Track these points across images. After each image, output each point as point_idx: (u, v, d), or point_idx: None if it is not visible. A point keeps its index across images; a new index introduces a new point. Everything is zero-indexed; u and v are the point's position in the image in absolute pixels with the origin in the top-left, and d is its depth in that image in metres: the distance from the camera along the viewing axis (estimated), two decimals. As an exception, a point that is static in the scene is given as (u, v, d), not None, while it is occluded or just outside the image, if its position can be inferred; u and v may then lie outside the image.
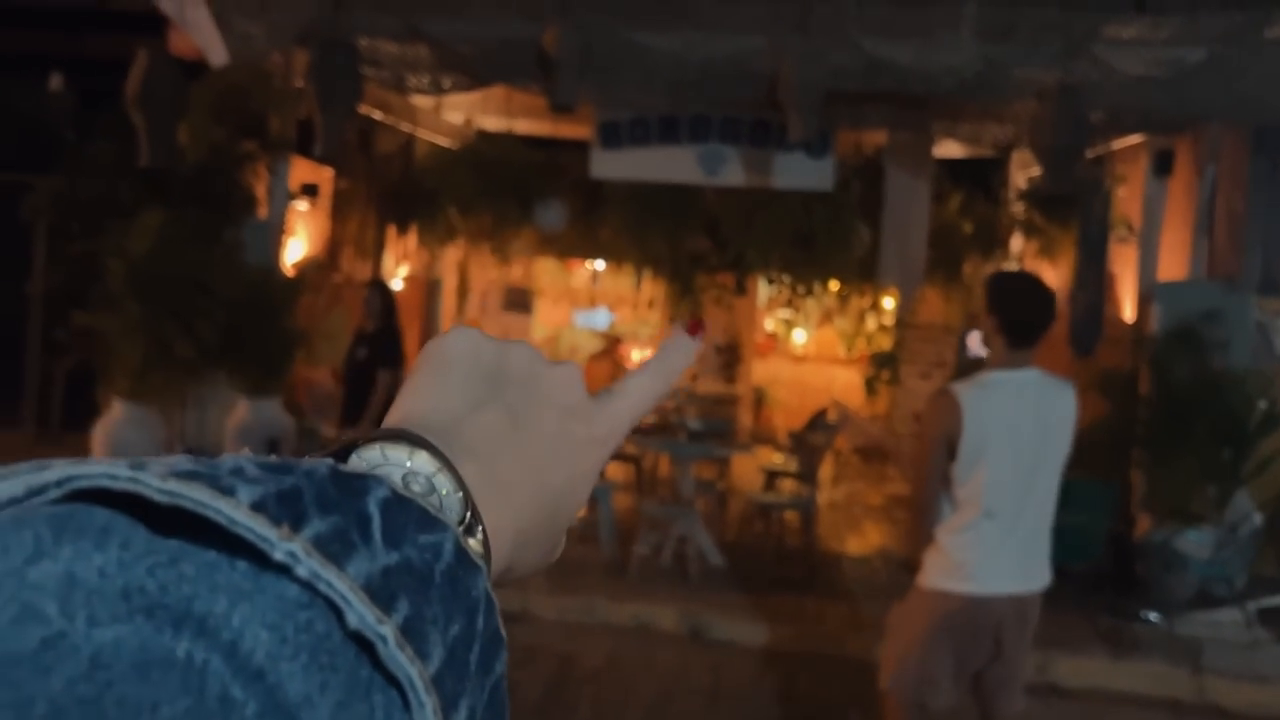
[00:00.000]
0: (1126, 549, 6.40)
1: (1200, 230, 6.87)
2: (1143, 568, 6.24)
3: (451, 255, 11.03)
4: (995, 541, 2.96)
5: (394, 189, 9.08)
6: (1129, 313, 7.49)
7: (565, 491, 0.44)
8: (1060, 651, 5.28)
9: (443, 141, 9.43)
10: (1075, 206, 7.13)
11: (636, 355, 14.43)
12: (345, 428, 6.49)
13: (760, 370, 12.91)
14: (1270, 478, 6.40)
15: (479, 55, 6.25)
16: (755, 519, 7.68)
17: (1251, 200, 6.30)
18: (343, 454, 0.38)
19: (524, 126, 9.06)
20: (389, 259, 9.70)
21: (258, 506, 0.27)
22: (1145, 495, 6.42)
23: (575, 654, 5.17)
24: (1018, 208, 8.94)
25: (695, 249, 9.04)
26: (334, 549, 0.28)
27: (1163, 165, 7.02)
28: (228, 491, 0.27)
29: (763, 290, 12.16)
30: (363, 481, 0.31)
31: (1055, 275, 9.02)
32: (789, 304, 10.71)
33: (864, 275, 8.33)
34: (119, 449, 6.06)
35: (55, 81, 7.95)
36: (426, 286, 12.12)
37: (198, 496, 0.26)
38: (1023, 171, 8.62)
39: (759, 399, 12.35)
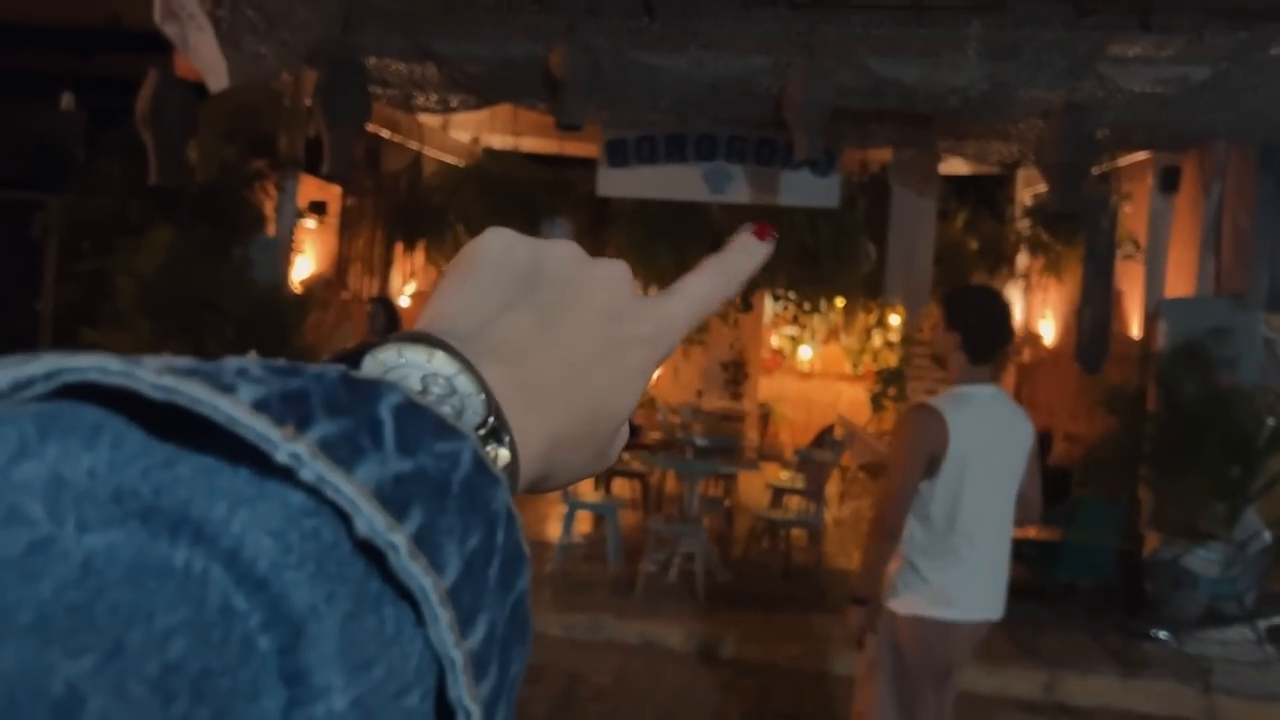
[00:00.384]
0: (1135, 567, 6.38)
1: (1207, 247, 6.87)
2: (1151, 586, 6.22)
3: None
4: (973, 564, 2.89)
5: (401, 207, 9.13)
6: (1136, 329, 7.49)
7: (608, 394, 0.42)
8: (1069, 671, 5.26)
9: (450, 159, 9.49)
10: (1081, 223, 7.14)
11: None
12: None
13: (766, 387, 12.91)
14: (1279, 495, 6.39)
15: (486, 74, 6.29)
16: (762, 536, 7.67)
17: (1258, 217, 6.30)
18: (357, 358, 0.36)
19: (530, 144, 9.11)
20: (396, 276, 9.73)
21: (260, 405, 0.26)
22: (1153, 513, 6.40)
23: (582, 672, 5.16)
24: (1023, 224, 8.96)
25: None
26: (342, 453, 0.26)
27: (1169, 182, 7.03)
28: (229, 390, 0.26)
29: (769, 307, 12.17)
30: (375, 387, 0.29)
31: (1062, 292, 9.03)
32: (795, 320, 10.72)
33: (870, 292, 8.35)
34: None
35: (66, 100, 8.02)
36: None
37: (195, 393, 0.24)
38: (1028, 188, 8.64)
39: (765, 415, 12.34)
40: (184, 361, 0.26)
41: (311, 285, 7.80)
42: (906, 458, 2.80)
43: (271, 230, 6.84)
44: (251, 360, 0.28)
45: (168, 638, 0.22)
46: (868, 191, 8.02)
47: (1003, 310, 2.93)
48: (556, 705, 4.77)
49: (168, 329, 6.06)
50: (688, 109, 6.24)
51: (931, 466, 2.81)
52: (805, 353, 13.98)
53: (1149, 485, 6.51)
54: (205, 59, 5.44)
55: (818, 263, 7.95)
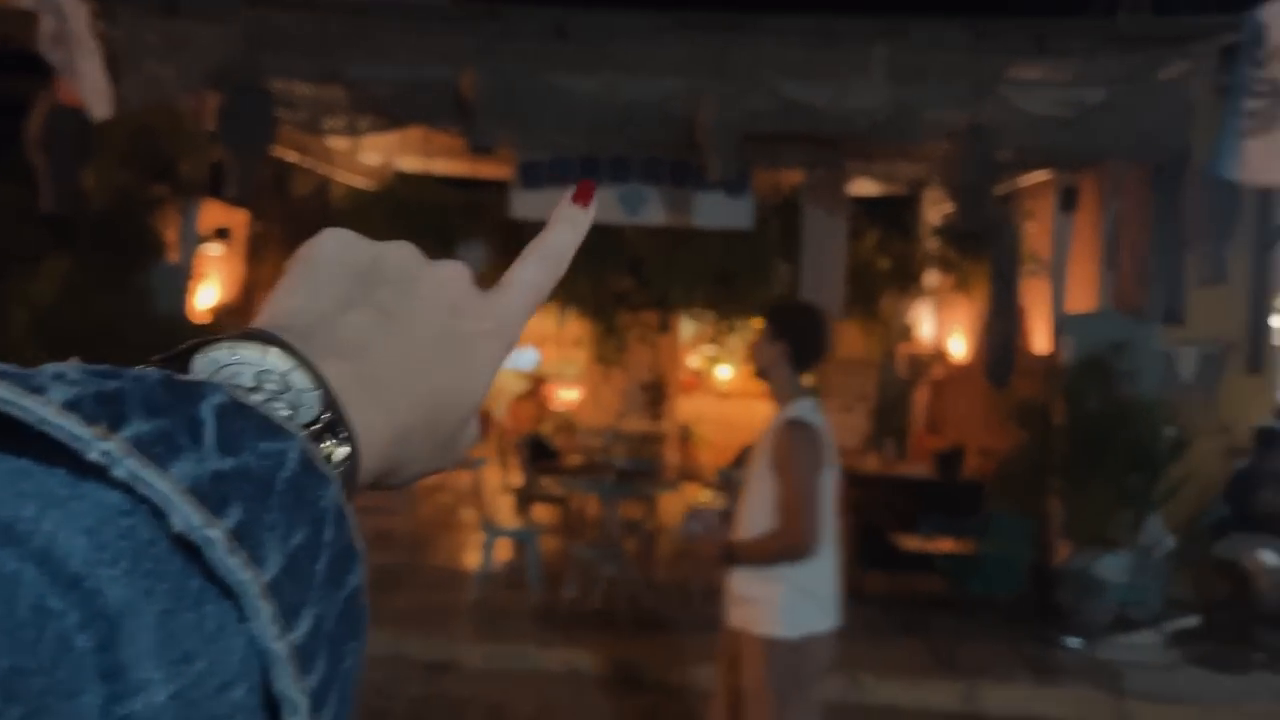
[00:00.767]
0: (1047, 576, 6.53)
1: (1106, 264, 7.11)
2: (1063, 594, 6.36)
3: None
4: (834, 571, 2.95)
5: (310, 231, 8.92)
6: (1042, 344, 7.70)
7: (453, 389, 0.43)
8: (986, 680, 5.34)
9: (360, 183, 9.33)
10: (987, 242, 7.33)
11: (562, 394, 14.38)
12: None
13: (686, 407, 12.94)
14: (1180, 502, 6.61)
15: (396, 97, 6.20)
16: (684, 558, 7.65)
17: (1153, 234, 6.53)
18: (189, 356, 0.36)
19: (443, 167, 9.01)
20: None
21: (72, 406, 0.26)
22: (1063, 523, 6.57)
23: (506, 703, 5.06)
24: (932, 244, 9.17)
25: (618, 288, 9.07)
26: (157, 450, 0.26)
27: (1068, 201, 7.27)
28: (39, 391, 0.26)
29: (686, 328, 12.23)
30: (198, 387, 0.29)
31: (971, 309, 9.25)
32: (713, 341, 10.78)
33: (785, 312, 8.43)
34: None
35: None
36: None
37: (1, 394, 0.25)
38: (936, 208, 8.85)
39: (685, 436, 12.37)
40: None
41: (218, 312, 7.58)
42: (809, 475, 2.81)
43: (174, 257, 6.63)
44: (71, 365, 0.29)
45: None
46: (780, 212, 8.11)
47: (824, 322, 3.04)
48: (478, 739, 4.67)
49: (64, 360, 5.80)
50: (601, 131, 6.24)
51: None
52: (724, 372, 14.08)
53: (1058, 496, 6.68)
54: (90, 86, 5.25)
55: (733, 283, 8.01)
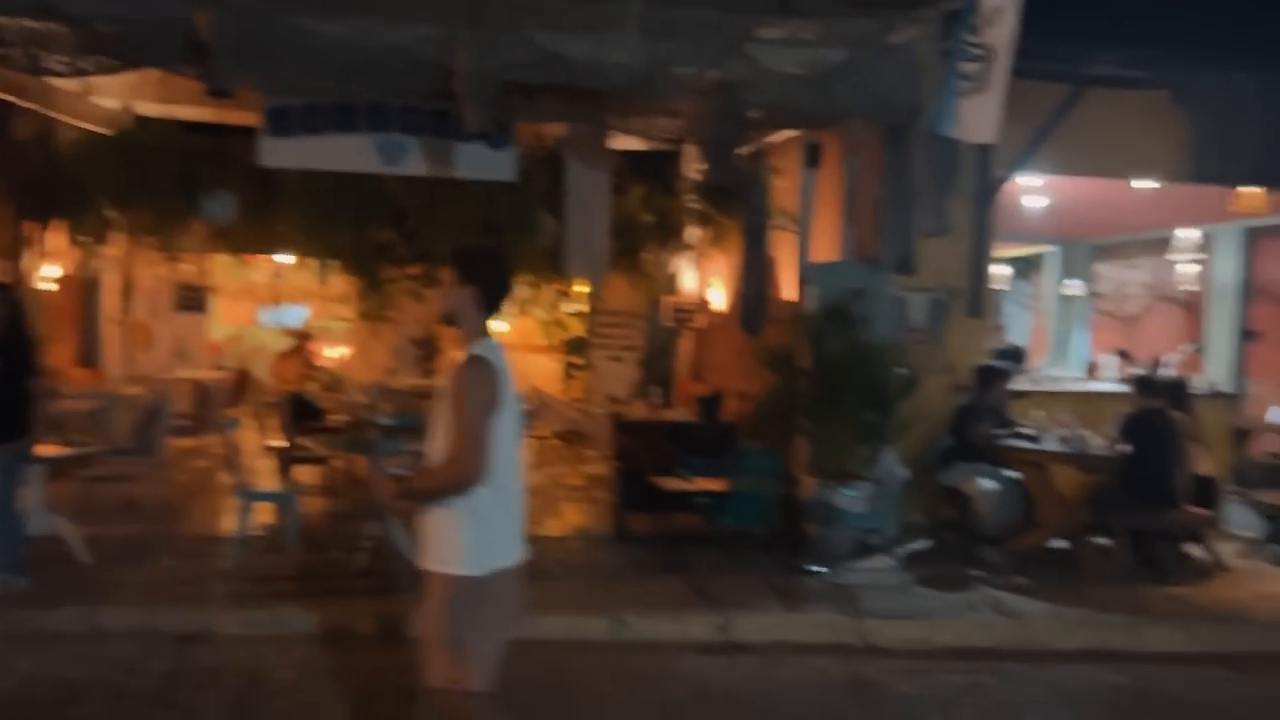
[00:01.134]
0: (794, 510, 6.98)
1: (847, 217, 7.58)
2: (809, 526, 6.82)
3: (112, 253, 10.10)
4: (517, 508, 3.04)
5: (34, 180, 8.17)
6: (791, 293, 8.14)
7: None
8: (739, 610, 5.67)
9: (93, 127, 8.59)
10: (738, 197, 7.64)
11: (329, 351, 13.90)
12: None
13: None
14: (912, 436, 7.21)
15: (124, 36, 5.73)
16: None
17: (886, 190, 7.01)
18: None
19: (187, 112, 8.43)
20: (31, 258, 8.72)
21: None
22: (808, 459, 7.01)
23: (263, 668, 4.91)
24: (691, 198, 9.46)
25: (381, 240, 8.83)
26: None
27: (813, 158, 7.68)
28: None
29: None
30: None
31: (728, 262, 9.64)
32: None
33: (552, 265, 8.49)
34: None
35: None
36: (84, 287, 11.03)
37: None
38: (694, 164, 9.12)
39: (459, 390, 12.26)
40: None
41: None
42: (481, 408, 2.84)
43: None
44: None
45: None
46: (545, 165, 8.13)
47: (506, 266, 3.16)
48: (234, 707, 4.52)
49: None
50: (352, 78, 6.02)
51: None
52: (500, 325, 14.02)
53: (805, 435, 7.12)
54: None
55: (499, 236, 7.98)
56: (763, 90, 6.24)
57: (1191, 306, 11.45)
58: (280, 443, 8.25)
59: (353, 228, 8.34)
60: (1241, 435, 9.30)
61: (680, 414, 9.37)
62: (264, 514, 6.92)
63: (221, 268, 13.03)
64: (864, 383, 6.83)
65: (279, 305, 14.51)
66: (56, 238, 9.03)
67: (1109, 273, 13.06)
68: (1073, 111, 7.30)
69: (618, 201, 8.38)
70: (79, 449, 7.18)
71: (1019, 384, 8.51)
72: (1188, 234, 10.30)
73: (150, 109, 8.52)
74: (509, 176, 7.40)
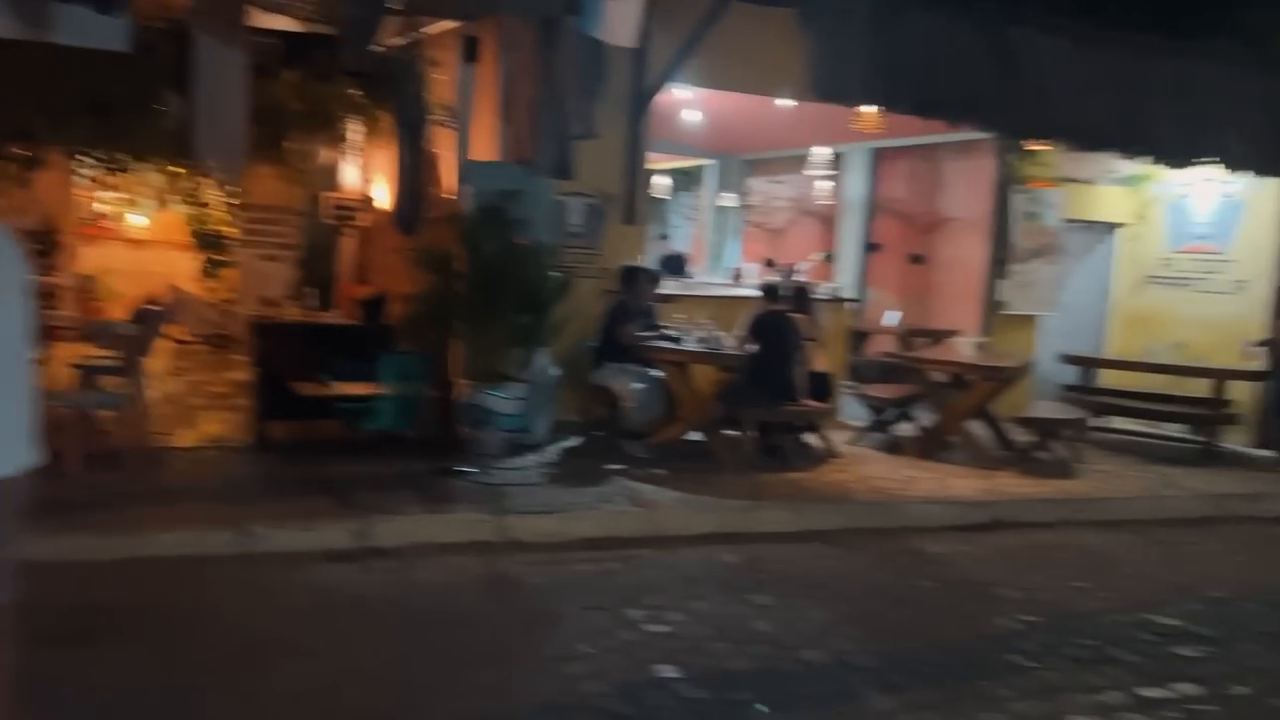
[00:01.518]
0: (447, 412, 6.93)
1: (503, 117, 7.43)
2: (461, 428, 6.81)
3: None
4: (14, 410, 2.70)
5: None
6: (453, 193, 7.94)
7: None
8: (378, 515, 5.56)
9: None
10: (390, 88, 7.28)
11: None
12: None
13: (92, 257, 11.52)
14: (566, 337, 7.35)
15: None
16: (68, 425, 6.88)
17: (540, 90, 6.93)
18: None
19: None
20: None
21: None
22: (463, 362, 6.96)
23: None
24: (351, 89, 8.93)
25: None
26: None
27: (470, 52, 7.43)
28: None
29: (88, 169, 10.75)
30: None
31: (390, 157, 9.23)
32: (102, 182, 9.60)
33: (180, 151, 7.71)
34: None
35: None
36: None
37: None
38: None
39: (86, 289, 11.04)
40: None
41: None
42: None
43: None
44: None
45: None
46: (172, 40, 7.29)
47: None
48: None
49: None
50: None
51: None
52: (139, 219, 12.69)
53: (460, 337, 7.05)
54: None
55: (111, 115, 7.10)
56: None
57: (827, 220, 12.46)
58: None
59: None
60: (860, 336, 10.34)
61: (337, 317, 8.99)
62: None
63: None
64: (519, 285, 6.83)
65: None
66: None
67: (759, 186, 13.90)
68: (719, 25, 7.53)
69: (263, 86, 7.71)
70: None
71: (669, 288, 8.91)
72: (821, 151, 11.13)
73: None
74: (120, 46, 6.54)
